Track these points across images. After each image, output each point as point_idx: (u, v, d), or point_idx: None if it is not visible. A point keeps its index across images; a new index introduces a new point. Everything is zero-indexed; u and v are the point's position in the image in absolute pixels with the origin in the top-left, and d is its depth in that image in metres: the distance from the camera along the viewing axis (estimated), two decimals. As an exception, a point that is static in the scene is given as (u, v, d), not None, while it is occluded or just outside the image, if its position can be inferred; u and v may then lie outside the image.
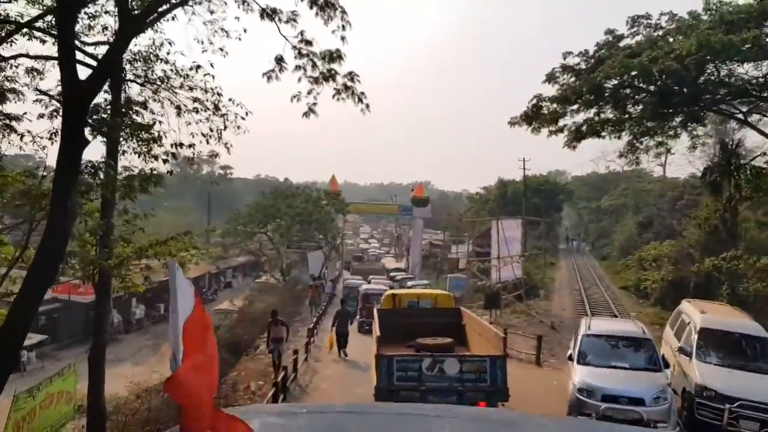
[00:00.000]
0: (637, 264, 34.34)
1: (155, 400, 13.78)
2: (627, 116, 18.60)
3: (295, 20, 9.01)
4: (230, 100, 9.85)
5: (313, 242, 38.72)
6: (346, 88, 9.24)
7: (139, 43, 10.71)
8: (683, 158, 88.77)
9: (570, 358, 12.51)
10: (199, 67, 10.14)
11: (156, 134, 9.19)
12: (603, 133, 19.24)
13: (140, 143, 9.19)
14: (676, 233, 35.40)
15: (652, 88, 16.40)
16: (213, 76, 10.02)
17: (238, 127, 9.79)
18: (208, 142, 10.19)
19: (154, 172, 9.20)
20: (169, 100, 10.28)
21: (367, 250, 76.50)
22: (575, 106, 17.53)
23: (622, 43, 18.09)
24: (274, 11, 9.02)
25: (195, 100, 10.13)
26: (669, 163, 56.74)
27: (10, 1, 9.11)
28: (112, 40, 9.43)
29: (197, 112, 10.34)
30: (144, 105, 10.19)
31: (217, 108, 10.16)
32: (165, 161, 9.47)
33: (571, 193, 65.28)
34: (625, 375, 11.40)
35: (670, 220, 39.18)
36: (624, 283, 33.99)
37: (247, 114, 9.86)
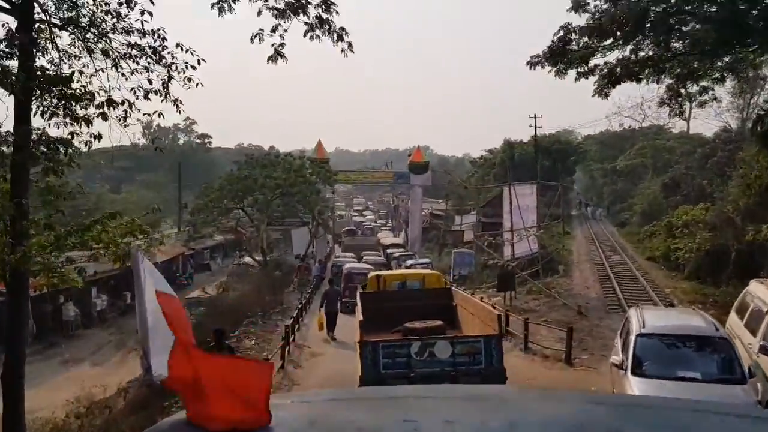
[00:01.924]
0: (664, 231, 32.65)
1: (100, 418, 12.25)
2: (671, 54, 15.97)
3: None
4: (178, 45, 8.46)
5: (296, 218, 36.62)
6: (321, 22, 8.31)
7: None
8: (705, 113, 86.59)
9: (618, 365, 10.08)
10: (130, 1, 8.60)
11: (79, 90, 8.09)
12: (641, 76, 16.66)
13: (59, 101, 8.03)
14: (708, 195, 33.73)
15: (713, 9, 13.74)
16: (151, 14, 8.48)
17: (189, 80, 8.66)
18: (147, 97, 8.74)
19: (75, 135, 8.06)
20: (103, 51, 8.77)
21: (361, 223, 75.39)
22: (610, 41, 14.90)
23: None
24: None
25: (130, 45, 8.73)
26: (693, 117, 54.72)
27: None
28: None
29: (133, 59, 8.91)
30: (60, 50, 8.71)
31: (157, 54, 8.75)
32: (89, 123, 8.14)
33: (584, 154, 63.62)
34: (698, 390, 9.05)
35: (699, 179, 37.24)
36: (650, 253, 32.42)
37: (199, 62, 8.49)
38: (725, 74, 18.45)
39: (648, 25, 14.67)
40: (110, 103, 8.25)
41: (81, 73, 8.56)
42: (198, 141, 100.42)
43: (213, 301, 23.95)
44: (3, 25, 8.59)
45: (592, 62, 15.99)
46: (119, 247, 8.86)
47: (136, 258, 1.77)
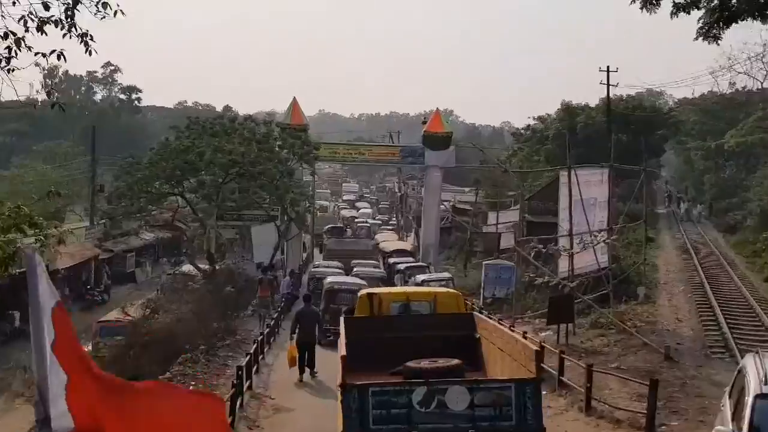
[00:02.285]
0: None
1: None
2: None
3: None
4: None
5: (259, 210, 36.42)
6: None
7: None
8: None
9: (727, 438, 9.75)
10: None
11: None
12: (766, 11, 16.26)
13: None
14: None
15: None
16: None
17: (105, 5, 9.12)
18: (42, 29, 9.11)
19: None
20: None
21: (352, 219, 75.66)
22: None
23: None
24: None
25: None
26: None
27: None
28: None
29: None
30: None
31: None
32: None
33: (678, 126, 63.58)
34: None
35: None
36: None
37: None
38: None
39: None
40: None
41: None
42: (123, 96, 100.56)
43: (135, 328, 23.63)
44: None
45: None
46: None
47: (32, 262, 1.82)
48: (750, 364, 10.92)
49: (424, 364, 12.31)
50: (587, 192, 26.01)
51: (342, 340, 12.99)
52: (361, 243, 54.09)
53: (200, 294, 26.83)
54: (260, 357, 21.60)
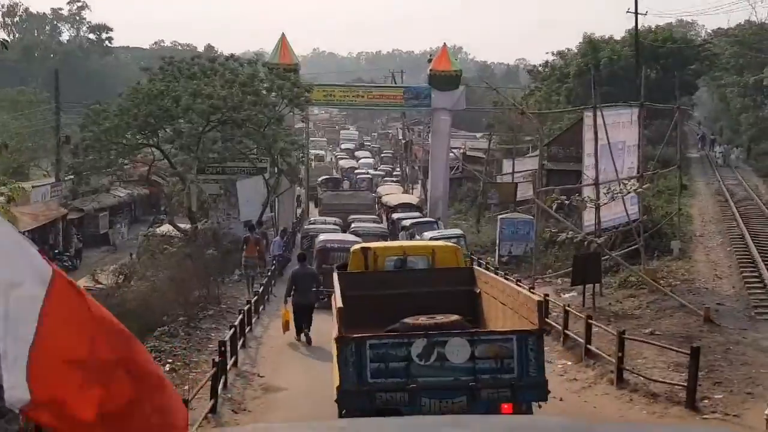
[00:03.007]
0: None
1: None
2: None
3: None
4: None
5: (244, 161, 35.98)
6: None
7: None
8: None
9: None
10: None
11: None
12: None
13: None
14: None
15: None
16: None
17: None
18: None
19: None
20: None
21: (352, 170, 75.12)
22: None
23: None
24: None
25: None
26: None
27: None
28: None
29: None
30: None
31: None
32: None
33: (713, 60, 62.54)
34: None
35: None
36: None
37: None
38: None
39: None
40: None
41: None
42: (92, 36, 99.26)
43: (108, 297, 23.08)
44: None
45: None
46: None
47: None
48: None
49: (422, 320, 12.53)
50: (615, 135, 25.44)
51: (337, 293, 13.38)
52: (360, 196, 53.84)
53: (179, 258, 26.24)
54: (247, 329, 21.15)
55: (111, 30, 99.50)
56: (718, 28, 79.35)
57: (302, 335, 20.68)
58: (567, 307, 19.33)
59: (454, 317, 12.68)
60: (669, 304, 21.62)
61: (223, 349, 16.52)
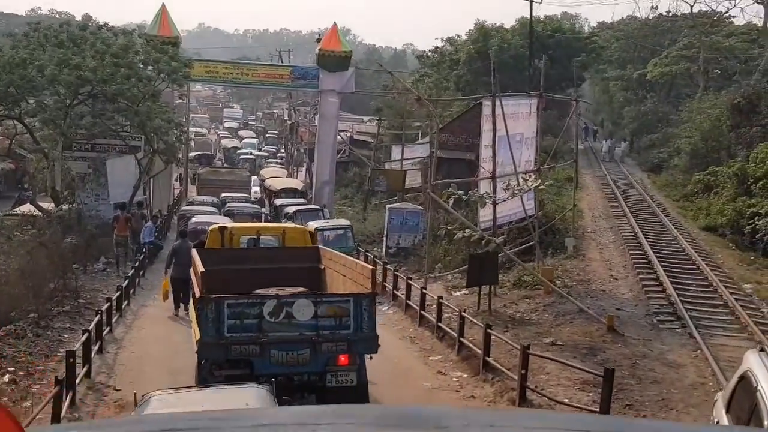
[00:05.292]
0: (733, 183, 32.50)
1: None
2: None
3: None
4: None
5: (116, 140, 33.24)
6: None
7: None
8: None
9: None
10: None
11: None
12: None
13: None
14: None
15: None
16: None
17: None
18: None
19: None
20: None
21: (235, 149, 73.38)
22: None
23: None
24: None
25: None
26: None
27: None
28: None
29: None
30: None
31: None
32: None
33: (599, 53, 63.04)
34: None
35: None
36: (709, 219, 32.02)
37: None
38: None
39: None
40: None
41: None
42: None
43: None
44: None
45: None
46: None
47: None
48: (760, 368, 8.89)
49: (272, 291, 13.59)
50: (513, 126, 23.88)
51: (197, 262, 14.46)
52: (237, 173, 55.28)
53: (32, 245, 23.18)
54: (106, 330, 18.58)
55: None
56: (602, 22, 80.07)
57: (178, 308, 21.46)
58: (463, 313, 17.49)
59: (301, 289, 14.06)
60: (567, 308, 20.20)
61: (71, 360, 14.21)
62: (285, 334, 12.34)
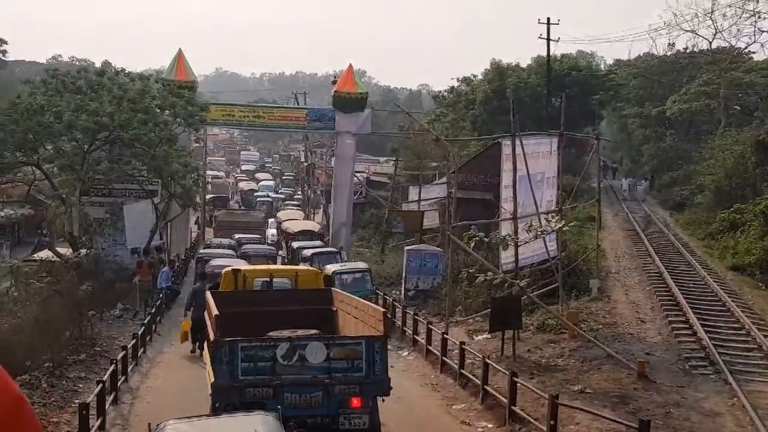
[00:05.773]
0: (760, 221, 31.68)
1: None
2: None
3: None
4: None
5: (133, 184, 33.44)
6: None
7: None
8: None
9: None
10: None
11: None
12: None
13: None
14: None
15: None
16: None
17: None
18: None
19: None
20: None
21: (252, 192, 74.08)
22: None
23: None
24: None
25: None
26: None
27: None
28: None
29: None
30: None
31: None
32: None
33: (618, 90, 63.26)
34: None
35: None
36: (738, 259, 30.97)
37: None
38: None
39: None
40: None
41: None
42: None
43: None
44: None
45: None
46: None
47: None
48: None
49: (285, 334, 13.74)
50: (534, 166, 23.53)
51: (212, 305, 14.53)
52: (252, 215, 56.49)
53: (47, 293, 22.88)
54: (121, 379, 18.13)
55: (5, 42, 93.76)
56: (619, 59, 79.80)
57: (197, 348, 21.69)
58: (487, 359, 16.93)
59: (313, 331, 14.18)
60: (595, 353, 19.57)
61: (84, 412, 13.84)
62: (298, 376, 12.48)
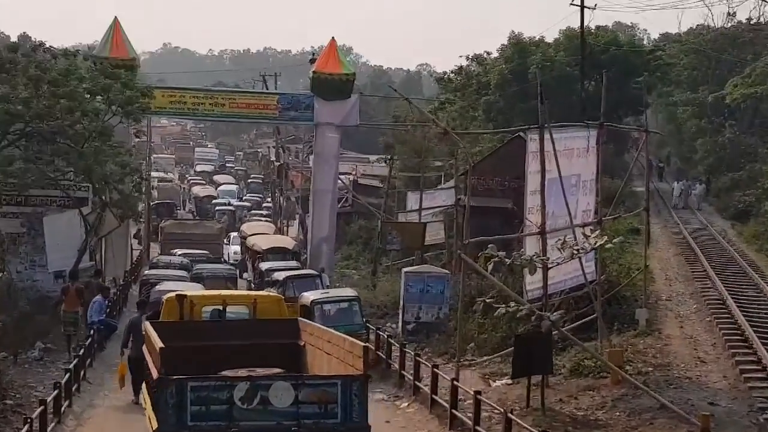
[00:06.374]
0: None
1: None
2: None
3: None
4: None
5: (56, 190, 33.68)
6: None
7: None
8: None
9: None
10: None
11: None
12: None
13: None
14: None
15: None
16: None
17: None
18: None
19: None
20: None
21: (209, 199, 75.99)
22: None
23: None
24: None
25: None
26: None
27: None
28: None
29: None
30: None
31: None
32: None
33: (666, 71, 64.21)
34: None
35: None
36: None
37: None
38: None
39: None
40: None
41: None
42: None
43: None
44: None
45: None
46: None
47: None
48: None
49: (242, 373, 14.16)
50: (567, 166, 23.42)
51: (154, 336, 15.01)
52: (206, 225, 57.54)
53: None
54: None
55: None
56: (666, 33, 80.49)
57: (140, 396, 20.93)
58: (509, 414, 16.68)
59: (276, 370, 14.62)
60: (644, 403, 19.72)
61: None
62: (260, 423, 12.79)
